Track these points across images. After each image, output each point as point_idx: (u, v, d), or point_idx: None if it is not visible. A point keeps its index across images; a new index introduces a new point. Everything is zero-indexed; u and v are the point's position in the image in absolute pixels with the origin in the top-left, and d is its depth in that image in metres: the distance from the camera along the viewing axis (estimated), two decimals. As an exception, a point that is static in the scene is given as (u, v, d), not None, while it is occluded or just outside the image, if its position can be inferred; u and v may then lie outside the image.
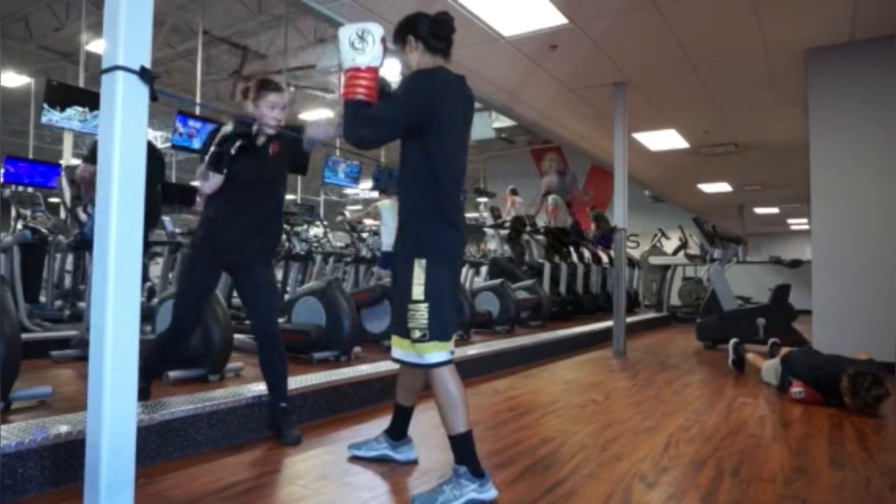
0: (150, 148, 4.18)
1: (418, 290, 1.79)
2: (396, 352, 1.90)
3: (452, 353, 1.87)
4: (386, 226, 6.67)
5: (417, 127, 1.80)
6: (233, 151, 2.29)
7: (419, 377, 2.06)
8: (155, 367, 2.55)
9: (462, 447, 1.83)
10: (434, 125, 1.82)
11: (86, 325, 3.73)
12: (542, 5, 4.24)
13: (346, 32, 1.77)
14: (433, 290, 1.79)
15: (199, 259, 2.43)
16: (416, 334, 1.80)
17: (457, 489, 1.76)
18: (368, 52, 1.75)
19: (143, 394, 2.37)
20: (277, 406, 2.46)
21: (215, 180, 2.31)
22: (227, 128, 2.33)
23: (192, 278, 2.47)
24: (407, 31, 1.96)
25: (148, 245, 4.44)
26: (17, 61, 9.92)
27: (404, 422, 2.20)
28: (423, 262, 1.80)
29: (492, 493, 1.81)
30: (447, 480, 1.80)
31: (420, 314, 1.79)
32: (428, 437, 2.66)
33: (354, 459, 2.19)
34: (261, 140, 2.40)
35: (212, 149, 2.28)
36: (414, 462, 2.19)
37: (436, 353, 1.81)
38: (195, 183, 2.36)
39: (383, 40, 1.79)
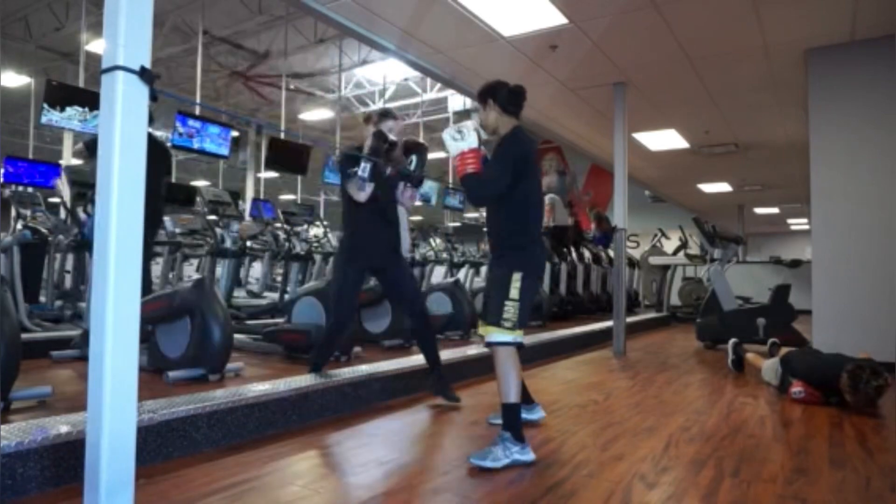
0: (154, 142, 4.18)
1: (514, 292, 2.34)
2: (488, 333, 2.38)
3: (521, 341, 2.38)
4: None
5: (515, 177, 2.36)
6: (385, 172, 2.94)
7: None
8: (326, 355, 3.20)
9: (509, 415, 2.26)
10: (525, 174, 2.39)
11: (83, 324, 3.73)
12: (542, 5, 4.24)
13: (448, 132, 2.40)
14: (524, 294, 2.35)
15: (349, 265, 3.06)
16: (508, 324, 2.33)
17: (503, 450, 2.16)
18: (467, 139, 2.34)
19: (316, 369, 3.08)
20: (438, 373, 3.12)
21: (370, 188, 2.90)
22: (366, 144, 2.92)
23: (345, 282, 3.07)
24: (488, 95, 2.50)
25: (151, 247, 4.42)
26: (17, 61, 9.91)
27: (525, 390, 2.71)
28: (520, 274, 2.36)
29: (531, 455, 2.22)
30: (495, 443, 2.18)
31: (513, 308, 2.33)
32: (428, 438, 2.67)
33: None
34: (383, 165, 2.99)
35: (364, 164, 2.83)
36: (541, 419, 2.77)
37: (509, 335, 2.33)
38: (352, 193, 2.94)
39: (475, 129, 2.39)
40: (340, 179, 3.00)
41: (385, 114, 3.07)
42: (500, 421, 2.46)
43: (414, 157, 3.00)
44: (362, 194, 2.90)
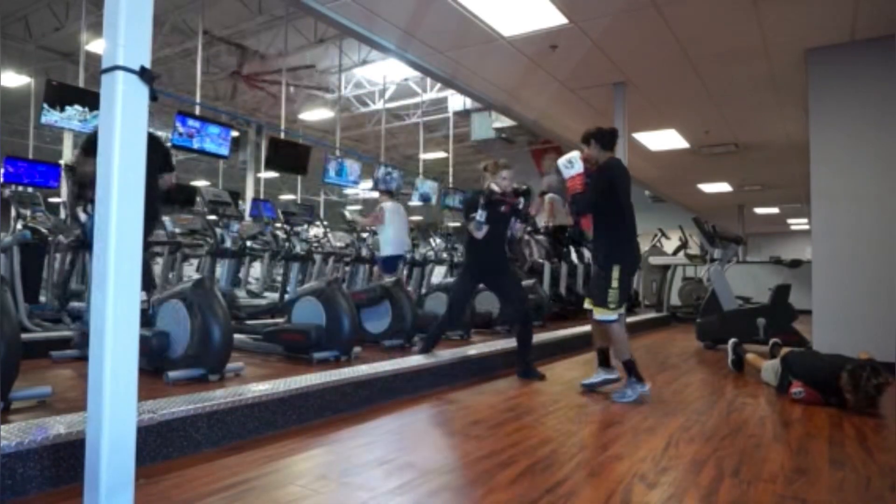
0: (151, 140, 4.15)
1: (615, 282, 3.31)
2: (597, 314, 3.41)
3: (622, 315, 3.42)
4: (386, 228, 6.65)
5: (607, 193, 3.35)
6: (500, 209, 3.88)
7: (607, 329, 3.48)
8: (435, 340, 4.07)
9: (630, 367, 3.34)
10: (614, 192, 3.36)
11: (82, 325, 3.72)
12: (542, 5, 4.24)
13: (562, 162, 3.44)
14: (622, 282, 3.34)
15: (469, 276, 4.08)
16: (612, 305, 3.33)
17: (632, 389, 3.30)
18: (575, 167, 3.39)
19: (425, 351, 3.92)
20: (528, 359, 4.00)
21: (485, 229, 3.79)
22: (485, 191, 3.83)
23: (464, 287, 4.12)
24: (591, 137, 3.48)
25: (147, 245, 4.41)
26: (17, 61, 9.90)
27: (606, 355, 3.61)
28: (618, 267, 3.33)
29: (648, 386, 3.35)
30: (627, 385, 3.33)
31: (615, 293, 3.32)
32: (428, 438, 2.67)
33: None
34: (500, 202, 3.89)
35: (482, 211, 3.74)
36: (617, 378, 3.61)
37: (614, 314, 3.35)
38: (472, 231, 3.84)
39: (581, 159, 3.42)
40: (465, 217, 3.92)
41: (499, 166, 3.94)
42: (589, 381, 3.60)
43: (522, 199, 3.94)
44: (479, 233, 3.79)
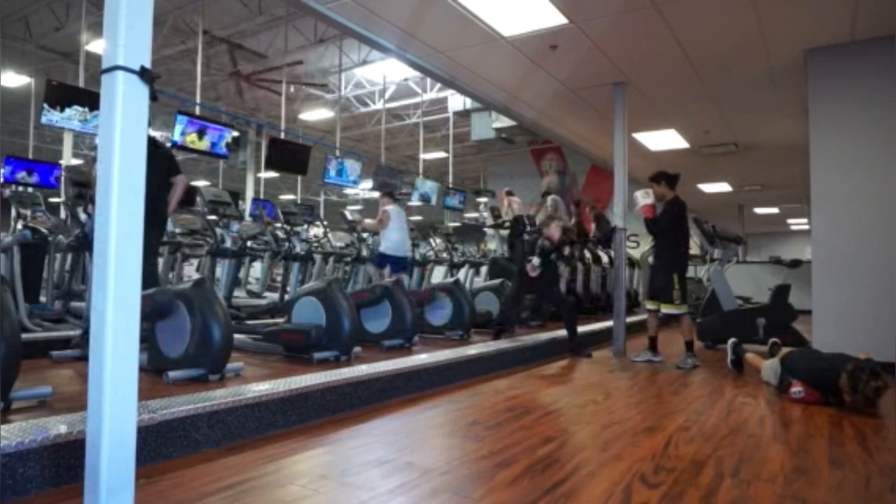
0: (158, 146, 4.14)
1: (676, 285, 4.52)
2: (665, 309, 4.63)
3: (686, 311, 4.66)
4: (389, 231, 6.66)
5: (674, 223, 4.65)
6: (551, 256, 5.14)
7: (658, 320, 4.82)
8: (505, 321, 5.31)
9: (689, 346, 4.58)
10: (678, 223, 4.66)
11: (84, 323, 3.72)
12: (542, 5, 4.24)
13: (639, 193, 4.68)
14: (682, 285, 4.58)
15: (524, 281, 5.05)
16: (677, 301, 4.53)
17: (691, 360, 4.51)
18: (650, 199, 4.66)
19: (498, 335, 5.05)
20: (575, 341, 5.08)
21: (539, 270, 4.95)
22: (542, 241, 5.06)
23: (521, 287, 5.15)
24: (660, 178, 4.72)
25: (156, 248, 4.41)
26: (17, 61, 9.91)
27: (656, 342, 4.83)
28: (677, 274, 4.56)
29: (698, 361, 4.58)
30: (686, 357, 4.54)
31: (678, 293, 4.52)
32: (428, 438, 2.67)
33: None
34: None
35: (538, 259, 4.96)
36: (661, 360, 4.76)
37: (682, 308, 4.59)
38: (530, 271, 5.00)
39: (650, 192, 4.71)
40: (509, 242, 5.09)
41: (553, 218, 5.21)
42: (683, 364, 4.51)
43: (567, 248, 5.52)
44: (534, 273, 4.92)
